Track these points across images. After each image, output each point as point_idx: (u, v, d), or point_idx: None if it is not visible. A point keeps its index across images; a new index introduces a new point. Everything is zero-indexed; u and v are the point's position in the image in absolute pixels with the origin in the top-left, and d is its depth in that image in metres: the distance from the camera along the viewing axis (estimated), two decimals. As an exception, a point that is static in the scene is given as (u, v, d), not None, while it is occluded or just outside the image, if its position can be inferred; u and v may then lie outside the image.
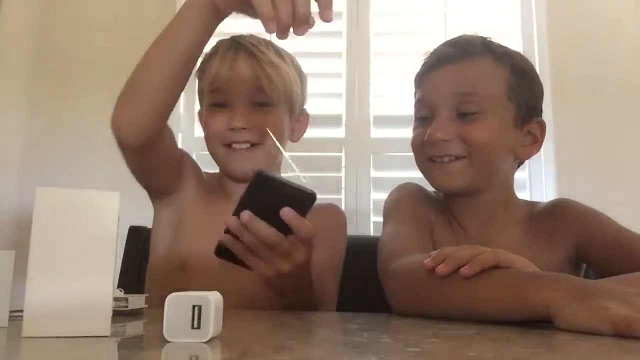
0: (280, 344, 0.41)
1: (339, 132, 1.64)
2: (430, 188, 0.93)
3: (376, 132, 1.63)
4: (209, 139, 0.93)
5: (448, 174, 0.85)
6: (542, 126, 0.88)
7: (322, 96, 1.68)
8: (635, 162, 1.56)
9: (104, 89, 1.70)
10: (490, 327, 0.54)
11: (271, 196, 0.63)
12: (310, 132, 1.66)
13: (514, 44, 1.64)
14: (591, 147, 1.58)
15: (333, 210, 0.99)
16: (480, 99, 0.83)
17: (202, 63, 0.96)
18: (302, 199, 0.63)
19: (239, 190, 0.96)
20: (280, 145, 0.94)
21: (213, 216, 0.94)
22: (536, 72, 0.90)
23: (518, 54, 0.90)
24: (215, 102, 0.92)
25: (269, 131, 0.83)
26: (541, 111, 0.89)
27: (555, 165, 1.56)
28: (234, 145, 0.90)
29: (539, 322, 0.55)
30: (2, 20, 1.63)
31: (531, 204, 0.94)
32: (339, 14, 1.71)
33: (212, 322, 0.40)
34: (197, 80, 0.98)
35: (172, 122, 1.57)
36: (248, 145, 0.90)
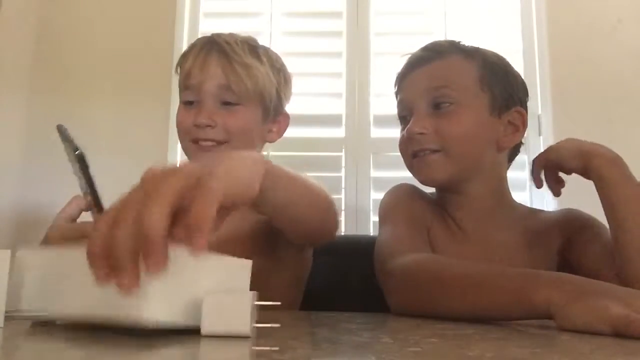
0: (280, 343, 0.40)
1: (339, 132, 1.65)
2: (421, 187, 0.94)
3: (376, 132, 1.63)
4: (179, 133, 0.96)
5: (429, 167, 0.87)
6: (522, 115, 0.90)
7: (322, 96, 1.68)
8: (636, 163, 1.56)
9: (104, 88, 1.71)
10: (490, 327, 0.54)
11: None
12: (310, 132, 1.67)
13: (514, 43, 1.65)
14: (591, 147, 1.57)
15: None
16: (453, 90, 0.86)
17: (179, 59, 0.98)
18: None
19: None
20: (248, 144, 0.94)
21: None
22: (512, 67, 0.93)
23: (491, 51, 0.93)
24: (186, 99, 0.94)
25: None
26: (522, 103, 0.92)
27: (555, 166, 1.56)
28: (200, 142, 0.92)
29: (539, 322, 0.55)
30: (2, 20, 1.63)
31: (536, 211, 0.94)
32: (339, 14, 1.71)
33: (249, 319, 0.41)
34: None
35: (171, 116, 1.55)
36: (213, 143, 0.91)
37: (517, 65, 1.59)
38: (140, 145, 1.63)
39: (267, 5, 1.71)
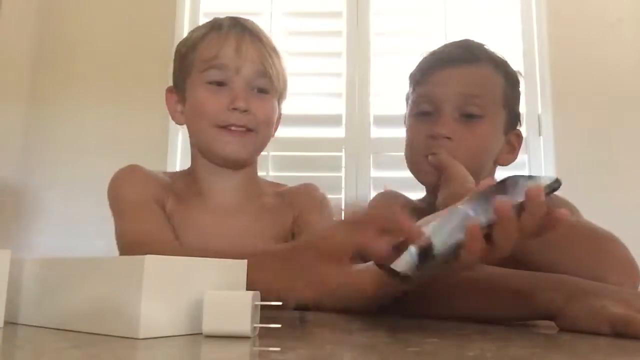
0: (280, 344, 0.41)
1: (339, 132, 1.65)
2: (415, 188, 0.92)
3: (376, 132, 1.63)
4: (201, 116, 0.86)
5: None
6: (519, 137, 0.91)
7: (322, 96, 1.68)
8: (636, 163, 1.56)
9: (104, 88, 1.71)
10: (490, 327, 0.54)
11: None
12: (310, 132, 1.67)
13: (514, 44, 1.65)
14: (591, 148, 1.58)
15: (310, 186, 0.96)
16: (484, 102, 0.85)
17: (197, 39, 0.89)
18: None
19: (214, 186, 0.88)
20: (268, 137, 0.90)
21: (189, 222, 0.87)
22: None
23: (508, 62, 0.92)
24: (214, 80, 0.86)
25: None
26: (520, 120, 0.93)
27: (555, 165, 1.56)
28: (230, 127, 0.85)
29: (539, 322, 0.55)
30: (2, 20, 1.63)
31: None
32: (339, 14, 1.71)
33: (250, 319, 0.41)
34: (180, 55, 0.91)
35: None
36: (243, 129, 0.85)
37: (517, 65, 1.60)
38: (140, 145, 1.63)
39: (267, 5, 1.71)
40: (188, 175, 0.92)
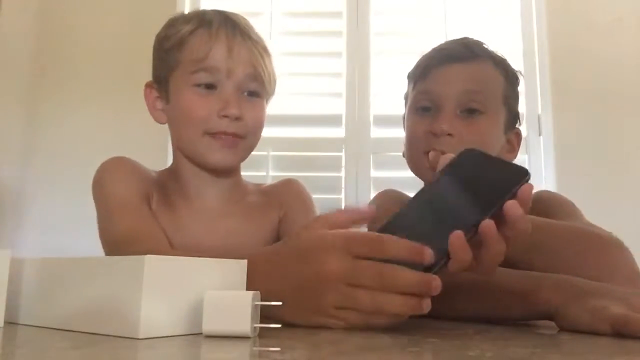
0: (280, 344, 0.41)
1: (339, 132, 1.65)
2: (415, 188, 0.92)
3: (376, 132, 1.63)
4: (188, 122, 0.81)
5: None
6: (519, 136, 0.92)
7: (322, 96, 1.68)
8: (636, 163, 1.56)
9: (104, 88, 1.71)
10: (490, 327, 0.54)
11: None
12: (310, 132, 1.67)
13: (514, 44, 1.65)
14: (591, 147, 1.58)
15: (294, 184, 0.94)
16: (484, 98, 0.86)
17: (184, 35, 0.83)
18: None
19: (199, 189, 0.84)
20: (255, 144, 0.85)
21: (175, 226, 0.83)
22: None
23: (507, 61, 0.92)
24: (203, 83, 0.80)
25: None
26: (519, 120, 0.93)
27: (555, 165, 1.56)
28: (221, 135, 0.80)
29: (539, 322, 0.55)
30: (2, 19, 1.63)
31: None
32: (339, 14, 1.71)
33: (250, 319, 0.41)
34: (163, 50, 0.86)
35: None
36: (232, 137, 0.81)
37: (517, 65, 1.61)
38: (140, 145, 1.63)
39: (267, 5, 1.71)
40: (171, 175, 0.88)
